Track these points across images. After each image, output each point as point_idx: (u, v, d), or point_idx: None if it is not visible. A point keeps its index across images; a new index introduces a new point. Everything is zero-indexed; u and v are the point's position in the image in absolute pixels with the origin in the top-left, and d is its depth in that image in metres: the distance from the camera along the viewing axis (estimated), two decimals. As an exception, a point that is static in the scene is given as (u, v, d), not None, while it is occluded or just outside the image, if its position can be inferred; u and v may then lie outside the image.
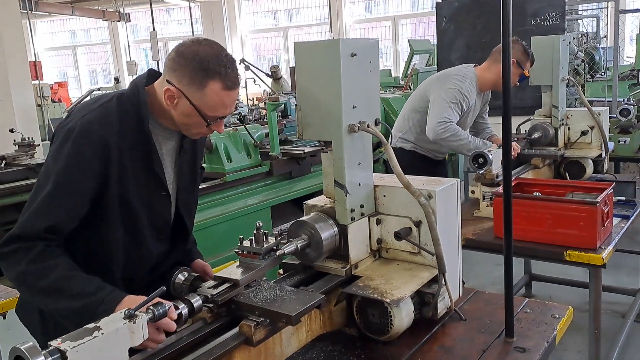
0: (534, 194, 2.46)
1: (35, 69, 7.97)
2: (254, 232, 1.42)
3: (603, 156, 3.26)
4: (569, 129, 3.37)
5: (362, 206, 1.61)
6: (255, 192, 3.74)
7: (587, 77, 6.67)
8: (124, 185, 1.40)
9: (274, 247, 1.41)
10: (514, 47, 3.05)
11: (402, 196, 1.60)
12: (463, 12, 5.44)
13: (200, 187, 3.40)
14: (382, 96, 5.77)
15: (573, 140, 3.35)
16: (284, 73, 11.21)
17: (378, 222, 1.65)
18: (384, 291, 1.45)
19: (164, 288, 1.10)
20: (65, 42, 16.19)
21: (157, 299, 1.12)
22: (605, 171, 3.31)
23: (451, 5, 5.48)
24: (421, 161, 3.25)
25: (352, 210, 1.56)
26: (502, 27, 1.47)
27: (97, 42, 15.96)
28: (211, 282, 1.36)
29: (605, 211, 2.27)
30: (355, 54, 1.50)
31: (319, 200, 1.64)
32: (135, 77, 1.95)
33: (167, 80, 1.40)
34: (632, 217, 2.60)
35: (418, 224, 1.59)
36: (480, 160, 2.68)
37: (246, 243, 1.42)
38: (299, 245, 1.48)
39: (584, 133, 3.30)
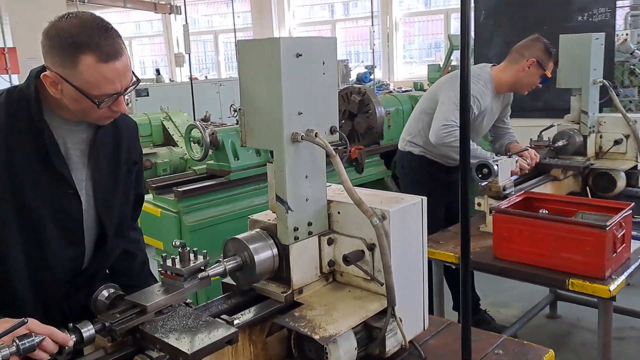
0: (540, 211, 2.21)
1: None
2: (179, 250, 1.29)
3: (639, 168, 2.93)
4: (600, 137, 3.04)
5: (310, 224, 1.45)
6: (262, 191, 3.63)
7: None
8: (16, 184, 1.29)
9: (201, 268, 1.27)
10: (534, 46, 2.79)
11: (356, 214, 1.43)
12: (502, 6, 5.09)
13: (205, 185, 3.40)
14: (412, 94, 5.51)
15: (605, 150, 3.03)
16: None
17: (330, 242, 1.48)
18: (319, 324, 1.29)
19: (25, 320, 1.00)
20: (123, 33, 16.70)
21: (26, 329, 1.01)
22: (640, 185, 2.97)
23: (490, -1, 5.14)
24: (430, 167, 3.02)
25: (296, 229, 1.41)
26: (461, 23, 1.26)
27: (152, 33, 16.38)
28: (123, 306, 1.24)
29: (619, 235, 2.00)
30: (300, 55, 1.34)
31: (265, 215, 1.50)
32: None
33: (45, 66, 1.28)
34: (659, 242, 2.29)
35: (372, 247, 1.41)
36: (485, 170, 2.44)
37: (170, 262, 1.29)
38: (227, 267, 1.34)
39: (617, 142, 2.98)
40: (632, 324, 3.33)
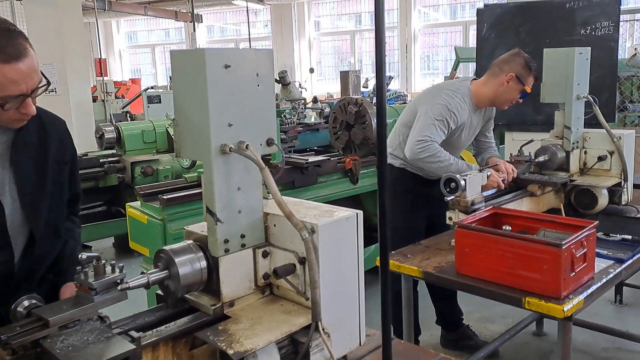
0: (504, 227, 2.19)
1: (101, 66, 8.46)
2: (93, 263, 1.31)
3: (622, 185, 2.87)
4: (585, 152, 3.00)
5: (243, 236, 1.47)
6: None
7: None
8: None
9: (116, 282, 1.30)
10: (514, 61, 2.78)
11: (290, 227, 1.44)
12: (506, 19, 5.07)
13: (191, 193, 3.46)
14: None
15: (589, 166, 2.98)
16: (334, 77, 11.05)
17: (265, 254, 1.50)
18: (237, 339, 1.31)
19: None
20: (145, 40, 17.13)
21: None
22: (624, 203, 2.91)
23: (493, 12, 5.12)
24: (411, 179, 3.03)
25: (227, 241, 1.43)
26: (376, 37, 1.28)
27: (176, 41, 16.73)
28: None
29: (578, 255, 1.97)
30: (229, 66, 1.37)
31: (200, 227, 1.53)
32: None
33: None
34: (629, 262, 2.25)
35: (303, 260, 1.43)
36: (452, 184, 2.43)
37: (83, 275, 1.27)
38: (150, 279, 1.37)
39: (601, 158, 2.93)
40: (620, 344, 3.25)
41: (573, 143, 2.93)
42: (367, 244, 4.50)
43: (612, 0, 4.69)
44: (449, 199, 2.42)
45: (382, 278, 1.36)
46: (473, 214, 2.35)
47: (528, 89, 2.80)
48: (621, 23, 5.32)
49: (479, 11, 5.17)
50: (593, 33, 4.71)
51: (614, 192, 2.87)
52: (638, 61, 5.68)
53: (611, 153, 2.90)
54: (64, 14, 6.81)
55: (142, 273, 1.37)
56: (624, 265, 2.22)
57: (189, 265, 1.40)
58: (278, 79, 4.42)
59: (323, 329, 1.39)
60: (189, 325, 1.38)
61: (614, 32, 4.64)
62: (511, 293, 2.01)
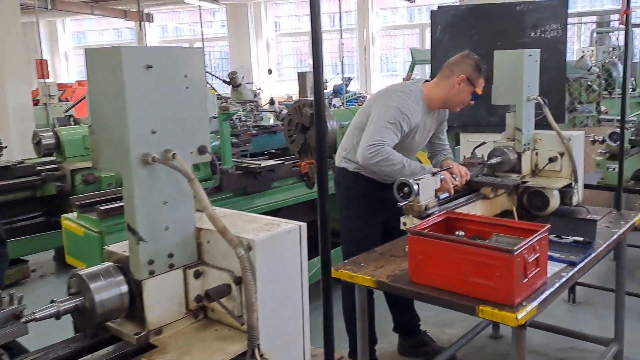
0: (457, 233, 2.12)
1: (42, 68, 8.05)
2: None
3: (573, 186, 2.87)
4: (536, 154, 2.99)
5: (171, 255, 1.34)
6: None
7: (604, 93, 6.16)
8: None
9: (15, 314, 1.14)
10: (464, 62, 2.74)
11: (224, 243, 1.32)
12: (459, 21, 5.06)
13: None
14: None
15: (541, 167, 2.97)
16: (294, 79, 10.99)
17: (198, 275, 1.38)
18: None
19: None
20: (95, 41, 16.56)
21: None
22: (575, 203, 2.91)
23: (446, 14, 5.12)
24: (366, 184, 2.93)
25: (151, 262, 1.30)
26: (312, 39, 1.18)
27: (127, 41, 16.24)
28: None
29: (530, 260, 1.92)
30: (151, 66, 1.24)
31: (122, 247, 1.38)
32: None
33: None
34: (580, 264, 2.22)
35: (239, 281, 1.31)
36: (406, 189, 2.36)
37: None
38: (61, 309, 1.22)
39: (552, 160, 2.92)
40: (574, 344, 3.26)
41: (524, 145, 2.91)
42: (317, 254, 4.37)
43: (560, 3, 4.76)
44: (402, 204, 2.34)
45: (324, 304, 1.25)
46: (427, 219, 2.28)
47: (479, 91, 2.76)
48: (569, 26, 5.43)
49: (432, 13, 5.16)
50: (542, 36, 4.76)
51: (565, 193, 2.87)
52: (586, 63, 5.82)
53: (561, 154, 2.89)
54: (0, 12, 6.44)
55: (52, 301, 1.21)
56: (576, 269, 2.19)
57: (107, 290, 1.25)
58: (228, 80, 4.28)
59: (262, 355, 1.27)
60: (108, 357, 1.24)
61: (563, 35, 4.70)
62: (465, 301, 1.94)
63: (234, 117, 4.74)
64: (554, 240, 2.43)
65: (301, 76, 9.24)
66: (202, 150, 1.38)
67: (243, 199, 3.72)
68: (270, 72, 12.09)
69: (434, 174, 2.48)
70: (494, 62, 2.92)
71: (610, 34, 8.37)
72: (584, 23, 6.60)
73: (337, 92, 9.92)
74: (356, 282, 2.27)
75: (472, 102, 2.84)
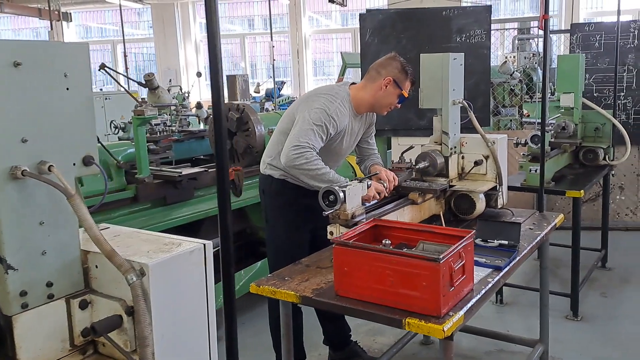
0: (384, 242, 2.04)
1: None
2: None
3: (498, 189, 2.88)
4: (462, 157, 2.98)
5: (49, 284, 1.15)
6: (115, 221, 3.25)
7: (525, 98, 6.39)
8: None
9: None
10: (390, 64, 2.68)
11: (115, 269, 1.14)
12: (388, 25, 5.07)
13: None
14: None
15: (467, 171, 2.96)
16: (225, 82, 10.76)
17: (84, 305, 1.19)
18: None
19: None
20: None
21: None
22: (500, 206, 2.92)
23: (375, 17, 5.10)
24: (293, 191, 2.80)
25: (24, 293, 1.10)
26: (209, 43, 1.03)
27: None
28: None
29: (457, 268, 1.86)
30: (19, 64, 1.05)
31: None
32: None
33: None
34: (506, 269, 2.20)
35: (131, 311, 1.14)
36: (331, 197, 2.25)
37: None
38: None
39: (477, 163, 2.92)
40: (502, 346, 3.29)
41: (451, 148, 2.89)
42: (254, 260, 4.18)
43: (484, 9, 4.87)
44: (327, 212, 2.23)
45: (227, 330, 1.11)
46: (354, 227, 2.18)
47: (405, 93, 2.71)
48: (494, 32, 5.59)
49: (361, 16, 5.13)
50: (468, 40, 4.85)
51: (491, 196, 2.88)
52: (508, 68, 6.01)
53: (486, 157, 2.90)
54: None
55: None
56: (501, 273, 2.17)
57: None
58: (144, 82, 4.02)
59: (158, 395, 1.11)
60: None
61: (486, 40, 4.81)
62: (391, 314, 1.85)
63: (156, 121, 4.48)
64: (480, 244, 2.41)
65: (230, 79, 9.04)
66: (87, 161, 1.20)
67: (162, 210, 3.48)
68: (199, 75, 11.73)
69: (360, 180, 2.39)
70: (420, 65, 2.89)
71: (531, 40, 8.77)
72: (507, 29, 6.83)
73: (270, 95, 9.77)
74: (279, 298, 2.13)
75: (399, 105, 2.78)
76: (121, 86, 3.88)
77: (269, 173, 2.85)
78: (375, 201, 2.62)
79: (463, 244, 1.90)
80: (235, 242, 4.53)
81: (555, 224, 2.81)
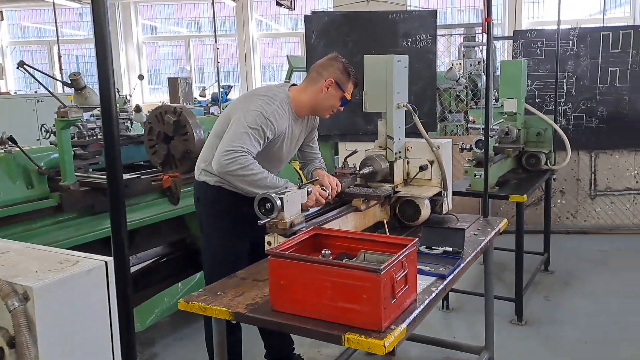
0: (323, 252, 1.91)
1: None
2: None
3: (443, 194, 2.82)
4: (407, 162, 2.91)
5: None
6: (37, 232, 2.98)
7: (471, 104, 6.47)
8: None
9: None
10: (332, 65, 2.56)
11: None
12: (333, 27, 4.99)
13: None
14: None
15: (412, 176, 2.89)
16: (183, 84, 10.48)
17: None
18: None
19: None
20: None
21: None
22: (445, 212, 2.87)
23: (320, 20, 5.02)
24: (230, 199, 2.63)
25: None
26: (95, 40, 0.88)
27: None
28: None
29: (399, 278, 1.76)
30: None
31: None
32: None
33: None
34: (450, 277, 2.12)
35: (13, 342, 0.95)
36: (268, 205, 2.11)
37: None
38: None
39: (422, 168, 2.85)
40: (449, 354, 3.23)
41: (396, 153, 2.81)
42: (193, 272, 3.95)
43: (429, 14, 4.88)
44: (263, 221, 2.08)
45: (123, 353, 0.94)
46: (293, 236, 2.05)
47: (348, 96, 2.61)
48: (440, 38, 5.62)
49: (306, 18, 5.03)
50: (414, 45, 4.83)
51: (436, 201, 2.82)
52: (454, 74, 6.06)
53: (431, 162, 2.84)
54: None
55: None
56: (445, 282, 2.09)
57: None
58: (70, 82, 3.74)
59: None
60: None
61: (432, 45, 4.81)
62: (330, 330, 1.72)
63: (92, 125, 4.21)
64: (425, 252, 2.33)
65: (172, 82, 8.73)
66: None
67: (90, 220, 3.23)
68: (141, 77, 11.34)
69: (300, 186, 2.26)
70: (364, 67, 2.80)
71: (477, 48, 8.96)
72: (452, 35, 6.92)
73: (216, 99, 9.52)
74: (210, 315, 1.96)
75: (342, 108, 2.67)
76: (42, 86, 3.59)
77: (204, 179, 2.68)
78: (317, 208, 2.50)
79: (405, 253, 1.80)
80: (173, 253, 4.29)
81: (499, 229, 2.78)
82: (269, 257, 1.89)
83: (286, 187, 2.37)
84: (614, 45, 5.00)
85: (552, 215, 4.88)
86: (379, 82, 2.77)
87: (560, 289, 4.15)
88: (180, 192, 3.94)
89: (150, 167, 4.67)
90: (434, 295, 1.98)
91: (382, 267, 1.66)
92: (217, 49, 7.59)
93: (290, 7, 9.69)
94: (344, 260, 1.83)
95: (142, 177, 3.76)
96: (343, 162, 2.79)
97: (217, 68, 7.71)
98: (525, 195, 3.47)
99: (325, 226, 2.35)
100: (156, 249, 4.42)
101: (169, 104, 4.78)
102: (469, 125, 6.32)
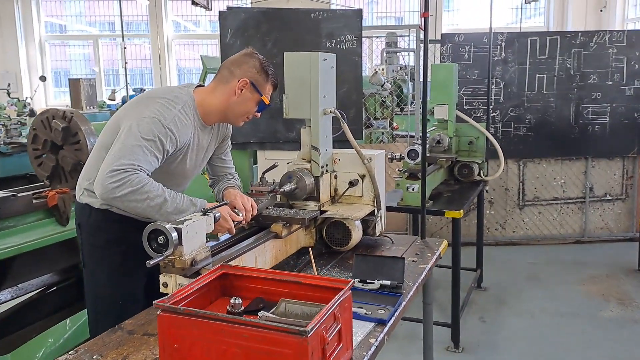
0: (232, 301, 1.46)
1: None
2: None
3: (376, 214, 2.46)
4: (335, 177, 2.52)
5: None
6: None
7: (396, 110, 6.25)
8: None
9: None
10: (247, 62, 2.12)
11: None
12: (251, 25, 4.54)
13: None
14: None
15: (340, 193, 2.51)
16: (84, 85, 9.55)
17: None
18: None
19: None
20: None
21: None
22: (379, 234, 2.51)
23: (237, 16, 4.55)
24: (120, 225, 2.11)
25: None
26: None
27: None
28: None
29: (331, 337, 1.35)
30: None
31: None
32: None
33: None
34: (391, 321, 1.75)
35: None
36: (161, 239, 1.63)
37: None
38: None
39: (352, 184, 2.47)
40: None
41: (322, 167, 2.42)
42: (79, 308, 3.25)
43: (354, 13, 4.56)
44: (153, 262, 1.60)
45: None
46: (197, 277, 1.58)
47: (266, 99, 2.18)
48: (364, 39, 5.34)
49: (221, 14, 4.55)
50: (338, 46, 4.49)
51: (368, 222, 2.45)
52: (380, 79, 5.80)
53: (362, 177, 2.47)
54: None
55: None
56: (386, 328, 1.72)
57: None
58: None
59: None
60: None
61: (358, 47, 4.49)
62: (242, 411, 1.28)
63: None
64: (359, 288, 1.95)
65: (73, 83, 7.89)
66: None
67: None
68: (43, 79, 10.27)
69: (205, 212, 1.79)
70: (284, 66, 2.39)
71: (399, 54, 8.86)
72: (377, 37, 6.70)
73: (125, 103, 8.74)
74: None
75: (259, 114, 2.24)
76: None
77: (87, 201, 2.14)
78: (229, 236, 2.05)
79: (339, 301, 1.40)
80: (62, 281, 3.60)
81: (440, 254, 2.46)
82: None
83: (196, 206, 1.91)
84: (541, 51, 4.95)
85: (482, 226, 4.71)
86: (302, 84, 2.37)
87: (495, 309, 3.94)
88: (70, 211, 3.32)
89: (36, 180, 3.99)
90: (373, 349, 1.60)
91: (308, 329, 1.24)
92: (125, 48, 6.89)
93: (207, 7, 9.09)
94: (259, 316, 1.39)
95: (20, 194, 3.12)
96: (260, 178, 2.36)
97: (125, 69, 7.01)
98: (462, 211, 3.21)
99: (237, 260, 1.91)
100: (42, 278, 3.75)
101: (57, 107, 4.10)
102: (395, 132, 6.10)
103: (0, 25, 11.87)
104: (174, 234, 1.60)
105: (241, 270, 1.67)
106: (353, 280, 1.52)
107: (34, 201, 3.15)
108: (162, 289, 1.77)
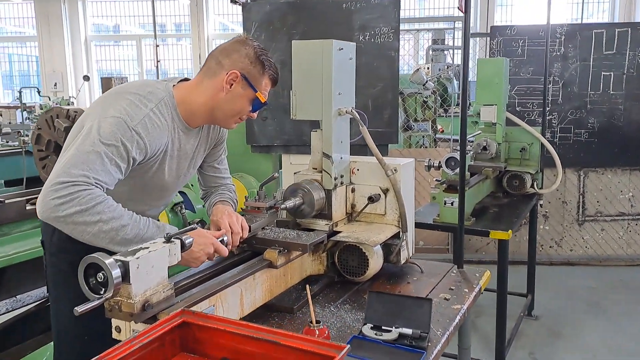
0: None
1: None
2: None
3: (401, 237, 2.01)
4: (353, 191, 2.08)
5: None
6: None
7: (440, 111, 5.74)
8: None
9: None
10: (238, 51, 1.73)
11: None
12: (276, 17, 4.16)
13: None
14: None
15: (358, 210, 2.07)
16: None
17: None
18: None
19: None
20: None
21: None
22: (404, 261, 2.05)
23: (261, 8, 4.18)
24: (88, 246, 1.75)
25: None
26: None
27: None
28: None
29: None
30: None
31: None
32: None
33: None
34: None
35: None
36: (100, 276, 1.25)
37: None
38: None
39: (372, 199, 2.03)
40: None
41: (335, 178, 1.99)
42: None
43: (391, 3, 4.09)
44: (83, 309, 1.23)
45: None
46: (154, 324, 1.21)
47: (262, 97, 1.77)
48: (403, 34, 4.87)
49: (244, 7, 4.19)
50: (372, 40, 4.04)
51: (391, 246, 2.00)
52: (421, 77, 5.30)
53: (385, 191, 2.02)
54: None
55: None
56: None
57: None
58: None
59: None
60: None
61: (394, 40, 4.02)
62: None
63: (6, 129, 3.26)
64: (369, 338, 1.51)
65: (105, 82, 7.77)
66: None
67: None
68: (87, 78, 10.32)
69: (170, 238, 1.40)
70: (292, 57, 1.99)
71: (446, 52, 8.28)
72: (420, 30, 6.20)
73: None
74: None
75: (254, 114, 1.84)
76: None
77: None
78: (210, 263, 1.67)
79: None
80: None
81: (481, 288, 1.98)
82: None
83: (163, 231, 1.54)
84: (608, 46, 4.34)
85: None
86: (312, 79, 1.95)
87: (548, 342, 3.39)
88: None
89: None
90: None
91: None
92: (157, 46, 6.70)
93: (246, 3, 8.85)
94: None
95: (10, 200, 2.87)
96: (257, 192, 1.95)
97: (157, 67, 6.82)
98: (510, 231, 2.70)
99: (215, 297, 1.50)
100: (42, 289, 3.52)
101: (62, 106, 3.85)
102: (437, 135, 5.59)
103: (48, 24, 12.09)
104: (115, 271, 1.22)
105: (206, 320, 1.27)
106: (347, 347, 1.08)
107: (27, 207, 2.88)
108: (114, 334, 1.40)
